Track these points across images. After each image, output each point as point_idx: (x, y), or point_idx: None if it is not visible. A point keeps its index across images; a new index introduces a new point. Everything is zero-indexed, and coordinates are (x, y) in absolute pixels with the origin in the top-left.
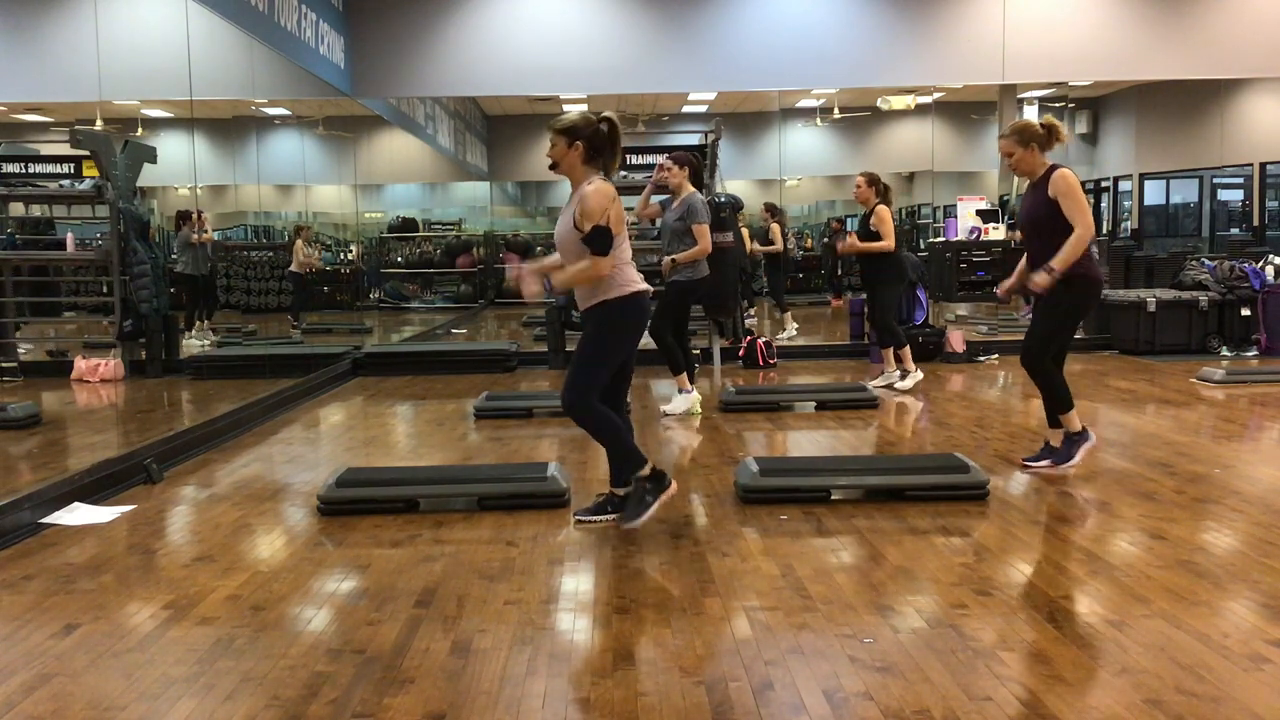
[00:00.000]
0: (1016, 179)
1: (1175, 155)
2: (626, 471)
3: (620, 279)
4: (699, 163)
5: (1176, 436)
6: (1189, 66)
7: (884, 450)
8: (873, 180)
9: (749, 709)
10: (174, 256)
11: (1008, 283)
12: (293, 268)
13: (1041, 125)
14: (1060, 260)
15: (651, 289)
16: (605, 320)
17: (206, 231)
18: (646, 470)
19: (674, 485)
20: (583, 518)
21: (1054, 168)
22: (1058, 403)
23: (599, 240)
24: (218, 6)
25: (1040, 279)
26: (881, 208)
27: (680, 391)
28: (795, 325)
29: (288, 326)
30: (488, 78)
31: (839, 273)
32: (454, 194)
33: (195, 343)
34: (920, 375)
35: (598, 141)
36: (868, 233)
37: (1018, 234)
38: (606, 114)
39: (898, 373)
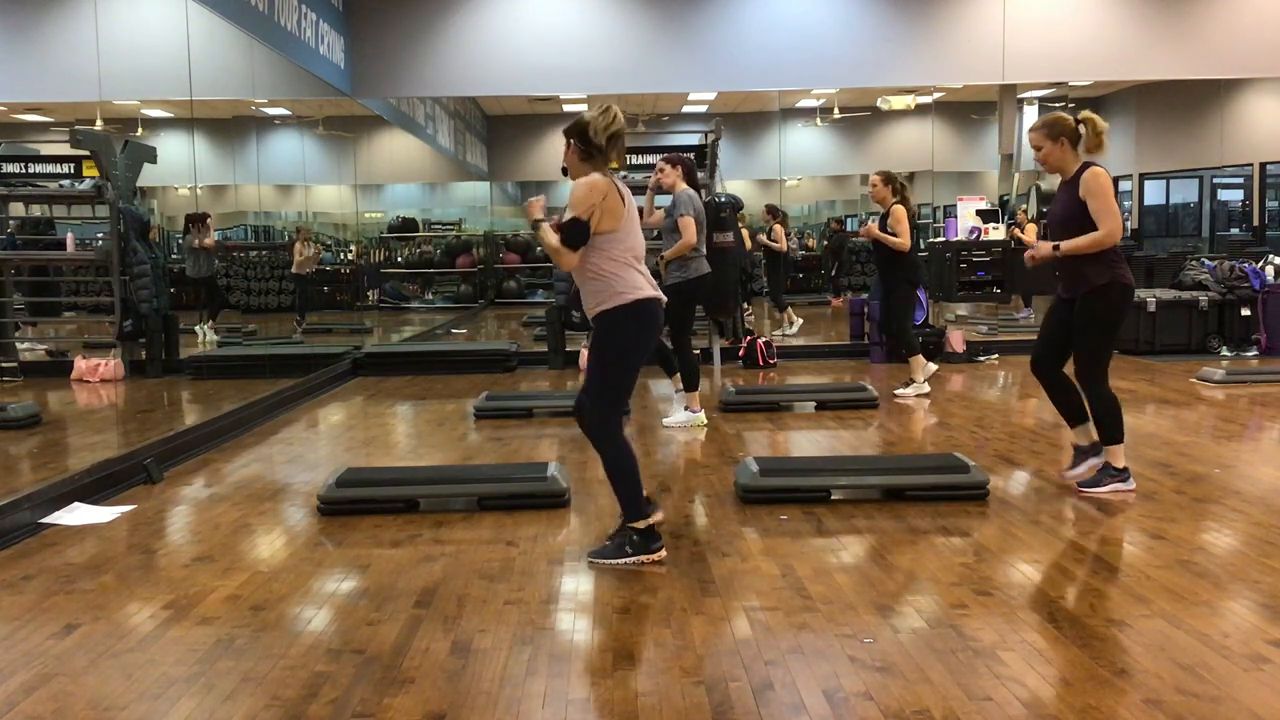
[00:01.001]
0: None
1: (1175, 155)
2: (624, 514)
3: (620, 285)
4: (694, 163)
5: (1176, 436)
6: (1189, 66)
7: (884, 450)
8: (889, 179)
9: (749, 709)
10: (174, 257)
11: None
12: (294, 269)
13: (1078, 121)
14: (1069, 245)
15: (664, 298)
16: (607, 330)
17: (209, 236)
18: (643, 524)
19: (663, 552)
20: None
21: (1086, 166)
22: (1108, 430)
23: (570, 232)
24: (218, 6)
25: (1042, 249)
26: (898, 207)
27: (687, 409)
28: (800, 320)
29: (288, 326)
30: (488, 78)
31: (835, 273)
32: (454, 194)
33: (202, 334)
34: (927, 389)
35: (592, 139)
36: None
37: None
38: (609, 105)
39: (925, 383)
